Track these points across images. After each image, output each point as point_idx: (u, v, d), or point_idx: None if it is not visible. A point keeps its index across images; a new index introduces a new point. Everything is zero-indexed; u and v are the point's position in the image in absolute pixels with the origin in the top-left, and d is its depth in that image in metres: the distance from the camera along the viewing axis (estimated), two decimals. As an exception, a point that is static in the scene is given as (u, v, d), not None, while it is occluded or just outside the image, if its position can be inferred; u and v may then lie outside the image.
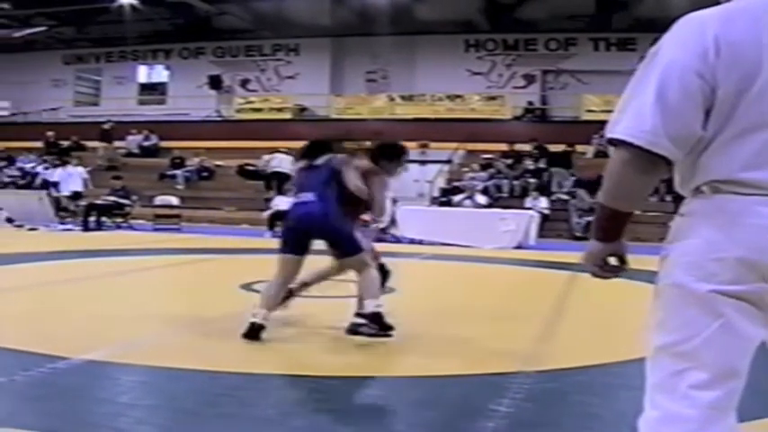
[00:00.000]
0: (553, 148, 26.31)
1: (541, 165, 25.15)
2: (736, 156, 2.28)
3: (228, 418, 4.51)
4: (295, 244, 7.03)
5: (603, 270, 2.57)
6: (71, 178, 23.96)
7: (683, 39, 2.32)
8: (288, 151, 27.75)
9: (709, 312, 2.29)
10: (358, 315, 6.99)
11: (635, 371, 6.16)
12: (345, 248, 6.99)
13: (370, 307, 6.80)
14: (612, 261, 2.56)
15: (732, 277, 2.26)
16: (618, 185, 2.42)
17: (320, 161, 7.14)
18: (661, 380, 2.38)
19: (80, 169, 24.55)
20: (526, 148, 26.67)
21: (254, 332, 6.62)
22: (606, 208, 2.46)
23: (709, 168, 2.33)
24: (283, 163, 27.76)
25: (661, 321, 2.41)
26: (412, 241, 19.47)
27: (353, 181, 6.92)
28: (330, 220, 6.86)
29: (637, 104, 2.34)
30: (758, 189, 2.25)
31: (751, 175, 2.26)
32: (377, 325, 6.74)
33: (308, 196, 6.94)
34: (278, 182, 27.01)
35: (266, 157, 27.66)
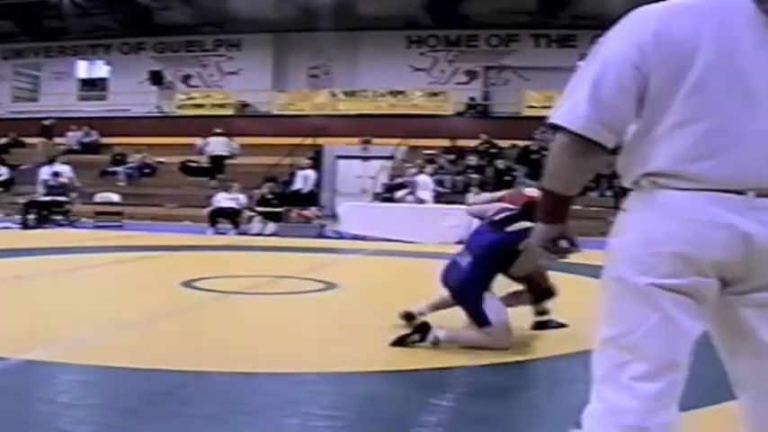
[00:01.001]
0: (499, 144, 26.54)
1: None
2: (672, 148, 2.35)
3: (169, 417, 4.50)
4: None
5: (551, 252, 2.66)
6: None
7: (625, 31, 2.41)
8: (222, 132, 27.74)
9: (649, 305, 2.36)
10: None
11: (577, 364, 6.28)
12: None
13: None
14: (563, 243, 2.66)
15: (670, 271, 2.33)
16: (556, 169, 2.51)
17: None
18: (605, 372, 2.45)
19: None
20: (469, 143, 26.82)
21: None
22: (547, 190, 2.56)
23: (646, 160, 2.40)
24: (219, 145, 27.76)
25: (605, 314, 2.48)
26: (355, 237, 19.50)
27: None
28: None
29: (576, 92, 2.43)
30: (695, 182, 2.31)
31: (687, 167, 2.32)
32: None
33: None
34: (216, 166, 27.02)
35: (201, 142, 27.60)
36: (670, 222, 2.34)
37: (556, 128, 2.45)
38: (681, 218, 2.32)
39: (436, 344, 6.30)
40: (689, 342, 2.40)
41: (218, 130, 28.04)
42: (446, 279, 6.71)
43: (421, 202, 21.97)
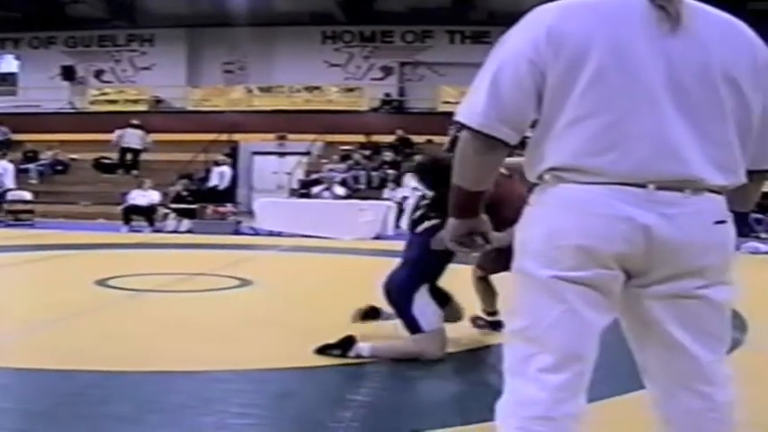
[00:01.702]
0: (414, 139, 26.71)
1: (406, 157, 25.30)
2: (571, 143, 2.39)
3: (83, 419, 4.46)
4: None
5: (464, 246, 2.75)
6: None
7: (522, 29, 2.47)
8: (138, 125, 27.43)
9: (553, 298, 2.41)
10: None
11: (493, 357, 6.38)
12: None
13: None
14: (476, 238, 2.74)
15: (573, 264, 2.38)
16: (461, 165, 2.56)
17: None
18: (514, 364, 2.51)
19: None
20: (384, 139, 26.93)
21: None
22: (455, 186, 2.60)
23: (548, 155, 2.44)
24: (134, 138, 27.45)
25: (513, 307, 2.54)
26: (270, 233, 19.47)
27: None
28: None
29: (476, 89, 2.49)
30: (596, 176, 2.36)
31: (587, 161, 2.37)
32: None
33: None
34: (132, 157, 26.70)
35: (117, 132, 27.27)
36: (572, 216, 2.39)
37: (461, 125, 2.51)
38: (583, 211, 2.37)
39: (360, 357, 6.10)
40: (593, 334, 2.46)
41: (134, 122, 27.72)
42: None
43: (338, 197, 22.03)
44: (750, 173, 2.51)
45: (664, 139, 2.35)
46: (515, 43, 2.45)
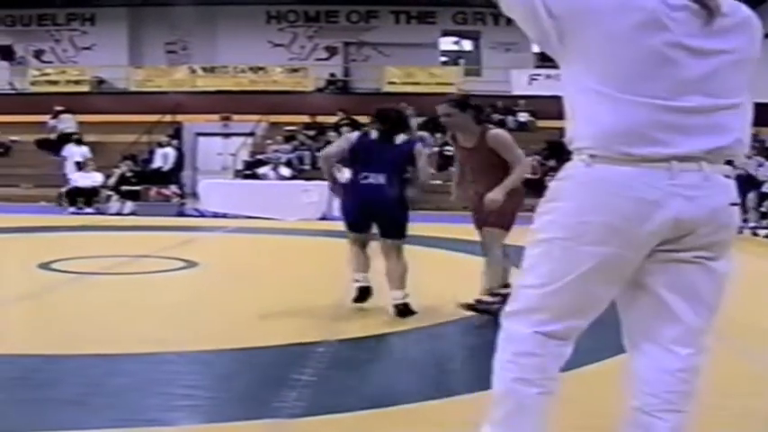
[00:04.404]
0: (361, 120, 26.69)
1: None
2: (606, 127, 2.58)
3: (26, 403, 4.44)
4: (360, 224, 7.16)
5: None
6: None
7: None
8: (66, 109, 27.13)
9: (570, 265, 2.65)
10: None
11: (435, 336, 6.46)
12: (397, 232, 7.07)
13: (398, 297, 6.96)
14: None
15: (594, 239, 2.59)
16: None
17: (399, 140, 7.14)
18: (515, 311, 2.80)
19: None
20: (329, 120, 26.89)
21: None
22: None
23: (585, 136, 2.63)
24: (69, 122, 27.16)
25: (530, 267, 2.77)
26: (215, 215, 19.39)
27: (428, 171, 7.32)
28: (397, 206, 7.03)
29: None
30: (628, 158, 2.54)
31: (619, 146, 2.56)
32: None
33: (380, 178, 6.93)
34: (68, 142, 26.38)
35: (52, 121, 26.93)
36: (602, 195, 2.58)
37: None
38: (613, 193, 2.57)
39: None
40: (599, 304, 2.74)
41: (59, 108, 27.34)
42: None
43: (283, 178, 21.98)
44: None
45: (687, 123, 2.57)
46: None
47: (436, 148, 22.95)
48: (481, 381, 4.60)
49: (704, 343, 2.77)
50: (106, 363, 5.42)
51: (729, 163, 2.68)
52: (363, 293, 7.14)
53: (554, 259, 2.68)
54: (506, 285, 6.61)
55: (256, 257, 12.38)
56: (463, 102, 7.02)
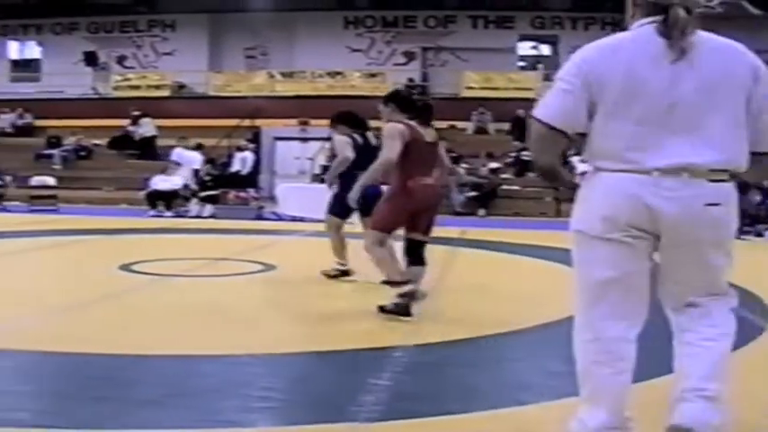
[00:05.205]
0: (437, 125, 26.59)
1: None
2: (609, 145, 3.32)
3: (106, 401, 4.48)
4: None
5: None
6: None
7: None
8: (145, 114, 27.56)
9: (594, 250, 3.37)
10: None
11: (513, 343, 6.39)
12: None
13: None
14: None
15: (603, 229, 3.31)
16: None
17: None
18: (577, 305, 3.47)
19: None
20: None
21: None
22: None
23: (595, 153, 3.36)
24: (149, 127, 27.60)
25: (576, 263, 3.47)
26: (293, 219, 19.46)
27: None
28: None
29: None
30: (627, 165, 3.24)
31: (619, 156, 3.27)
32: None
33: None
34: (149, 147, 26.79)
35: (131, 127, 27.39)
36: (605, 195, 3.31)
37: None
38: (612, 192, 3.28)
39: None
40: (629, 274, 3.35)
41: (136, 112, 27.75)
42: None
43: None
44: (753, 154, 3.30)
45: (672, 143, 3.22)
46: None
47: (513, 153, 22.77)
48: (558, 389, 4.57)
49: (728, 329, 3.45)
50: (185, 364, 5.47)
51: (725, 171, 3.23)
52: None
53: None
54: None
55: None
56: (387, 96, 7.69)
